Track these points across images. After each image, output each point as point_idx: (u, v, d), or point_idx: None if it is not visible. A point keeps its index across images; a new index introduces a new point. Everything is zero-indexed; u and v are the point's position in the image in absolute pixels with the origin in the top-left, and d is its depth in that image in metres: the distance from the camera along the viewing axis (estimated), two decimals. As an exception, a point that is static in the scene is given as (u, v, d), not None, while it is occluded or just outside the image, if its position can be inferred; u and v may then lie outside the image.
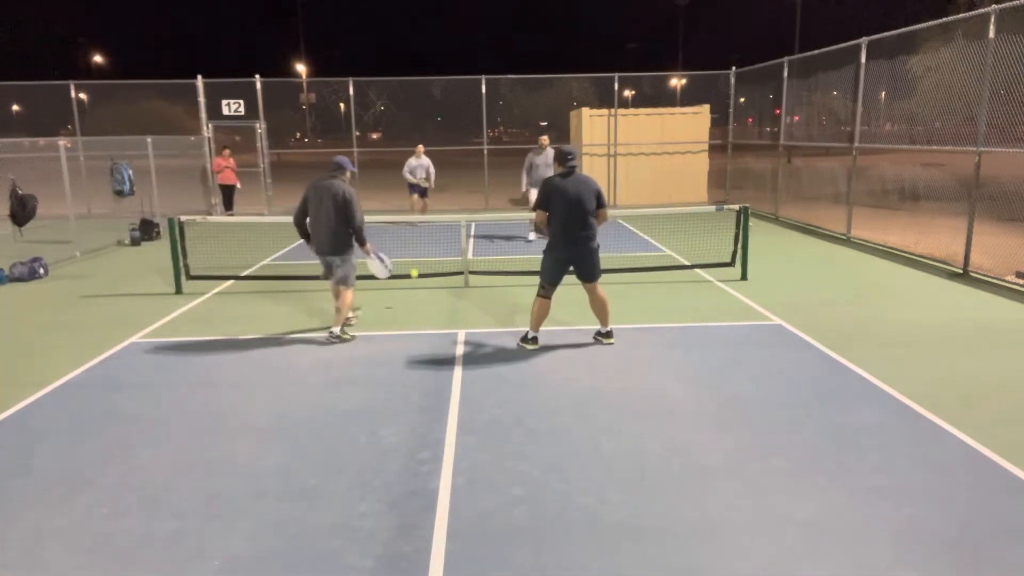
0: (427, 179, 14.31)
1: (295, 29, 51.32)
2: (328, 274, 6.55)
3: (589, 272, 6.05)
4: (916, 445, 4.22)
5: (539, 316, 6.14)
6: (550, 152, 12.54)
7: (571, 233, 5.87)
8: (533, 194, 12.38)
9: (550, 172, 12.39)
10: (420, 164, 14.28)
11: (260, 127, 17.03)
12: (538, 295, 6.13)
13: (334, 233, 6.29)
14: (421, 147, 14.40)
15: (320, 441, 4.41)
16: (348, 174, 6.42)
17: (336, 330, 6.43)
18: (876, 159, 14.80)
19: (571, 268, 6.08)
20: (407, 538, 3.36)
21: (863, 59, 11.37)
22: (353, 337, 6.52)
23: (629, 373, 5.54)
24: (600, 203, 5.92)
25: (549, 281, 6.07)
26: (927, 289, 8.24)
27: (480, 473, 3.97)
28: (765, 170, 17.09)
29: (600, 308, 6.20)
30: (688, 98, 20.29)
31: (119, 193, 14.02)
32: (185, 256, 8.59)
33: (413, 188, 14.50)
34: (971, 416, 4.59)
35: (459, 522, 3.48)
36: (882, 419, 4.59)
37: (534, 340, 6.17)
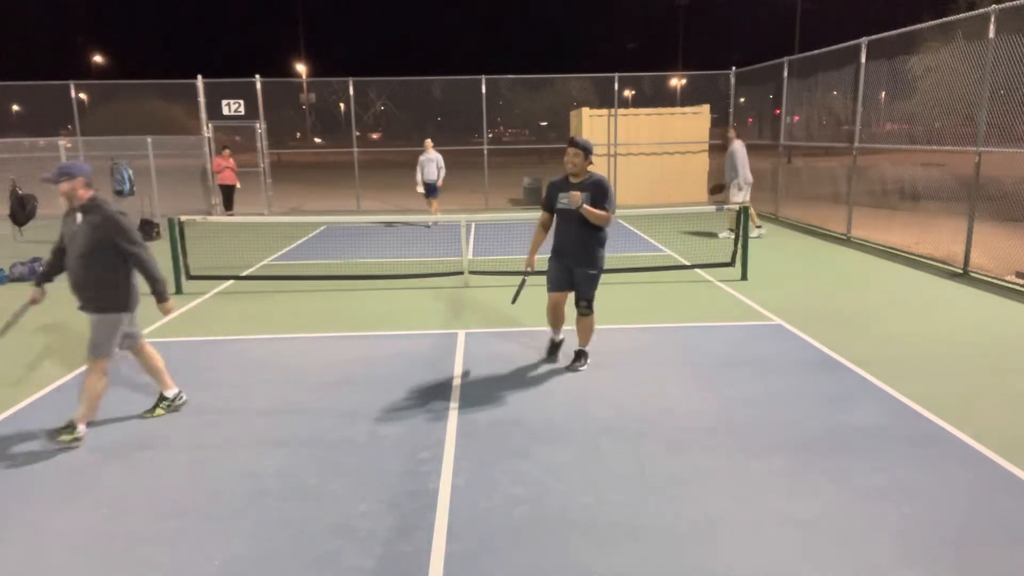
0: (437, 177, 14.07)
1: (295, 29, 51.35)
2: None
3: (584, 287, 5.51)
4: (916, 445, 4.22)
5: (588, 331, 5.66)
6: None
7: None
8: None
9: None
10: (429, 159, 14.02)
11: (260, 127, 17.03)
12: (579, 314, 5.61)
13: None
14: (429, 141, 14.12)
15: (320, 441, 4.41)
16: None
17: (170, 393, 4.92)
18: (876, 159, 14.79)
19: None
20: (407, 538, 3.36)
21: (863, 59, 11.37)
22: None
23: (629, 373, 5.53)
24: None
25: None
26: (927, 289, 8.24)
27: (480, 473, 3.97)
28: (765, 170, 17.09)
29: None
30: (688, 98, 20.29)
31: (119, 193, 14.02)
32: (185, 256, 8.59)
33: (427, 191, 14.17)
34: (971, 416, 4.59)
35: (459, 522, 3.48)
36: (882, 419, 4.59)
37: (582, 356, 5.67)
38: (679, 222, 13.34)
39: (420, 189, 14.14)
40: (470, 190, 20.14)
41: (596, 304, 5.58)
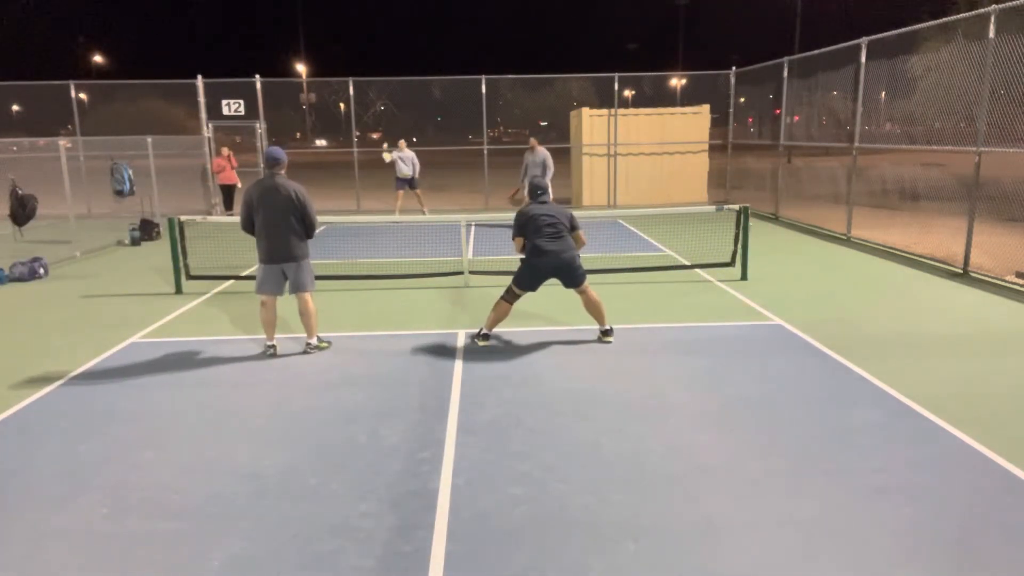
0: (413, 171, 14.94)
1: (295, 29, 51.35)
2: (273, 288, 6.01)
3: (572, 280, 6.20)
4: (916, 445, 4.22)
5: (497, 319, 6.30)
6: (540, 151, 12.90)
7: (543, 244, 6.06)
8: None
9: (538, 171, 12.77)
10: (403, 156, 14.80)
11: (260, 127, 17.03)
12: (502, 298, 6.25)
13: (292, 236, 5.89)
14: (403, 142, 14.91)
15: (320, 441, 4.41)
16: (285, 167, 5.98)
17: (313, 341, 6.17)
18: (876, 159, 14.80)
19: (553, 278, 6.21)
20: (407, 538, 3.36)
21: (863, 59, 11.37)
22: (330, 343, 6.33)
23: (629, 373, 5.54)
24: (573, 227, 6.21)
25: (518, 286, 6.20)
26: (927, 289, 8.24)
27: (480, 473, 3.97)
28: (765, 170, 17.10)
29: (594, 308, 6.30)
30: (688, 98, 20.29)
31: (119, 193, 14.03)
32: (185, 256, 8.59)
33: (401, 183, 14.95)
34: (971, 416, 4.59)
35: (459, 522, 3.48)
36: (882, 419, 4.59)
37: (486, 337, 6.32)
38: (679, 222, 13.34)
39: (387, 157, 14.91)
40: (470, 190, 20.14)
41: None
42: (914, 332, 6.50)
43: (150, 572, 3.14)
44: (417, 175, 15.11)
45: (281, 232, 5.88)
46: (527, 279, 6.20)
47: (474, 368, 5.70)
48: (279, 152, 5.97)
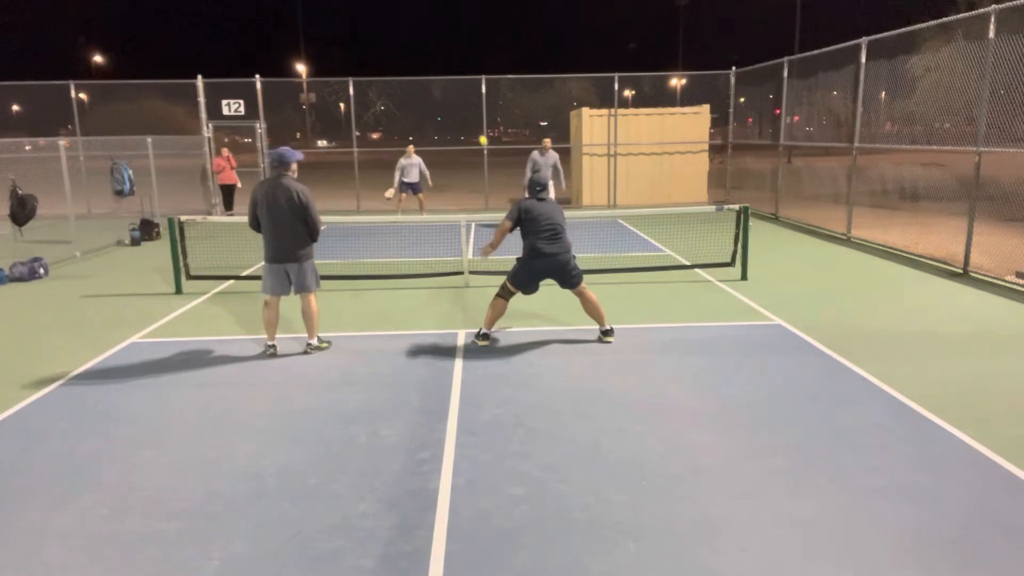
0: (425, 178, 14.75)
1: (295, 29, 51.35)
2: (277, 287, 6.02)
3: (567, 282, 6.22)
4: (916, 445, 4.22)
5: (495, 316, 6.33)
6: (552, 154, 12.90)
7: (542, 246, 6.06)
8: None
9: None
10: (411, 163, 14.65)
11: (260, 127, 17.04)
12: (498, 295, 6.29)
13: (294, 237, 5.90)
14: (412, 147, 14.80)
15: (320, 441, 4.41)
16: (294, 167, 5.96)
17: (313, 341, 6.17)
18: (876, 159, 14.80)
19: (549, 279, 6.23)
20: (407, 538, 3.36)
21: (863, 59, 11.37)
22: (330, 343, 6.34)
23: (629, 373, 5.54)
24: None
25: (514, 284, 6.23)
26: (927, 289, 8.24)
27: (480, 473, 3.97)
28: (765, 170, 17.10)
29: (592, 309, 6.31)
30: (688, 98, 20.30)
31: (119, 193, 14.03)
32: (185, 256, 8.59)
33: (404, 186, 14.89)
34: (971, 416, 4.59)
35: (459, 522, 3.48)
36: (882, 419, 4.59)
37: (485, 337, 6.34)
38: (679, 222, 13.34)
39: (389, 194, 14.61)
40: (470, 190, 20.15)
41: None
42: (914, 332, 6.50)
43: (150, 572, 3.14)
44: (421, 181, 14.96)
45: (283, 232, 5.88)
46: (524, 279, 6.22)
47: (474, 368, 5.70)
48: (284, 154, 5.90)
